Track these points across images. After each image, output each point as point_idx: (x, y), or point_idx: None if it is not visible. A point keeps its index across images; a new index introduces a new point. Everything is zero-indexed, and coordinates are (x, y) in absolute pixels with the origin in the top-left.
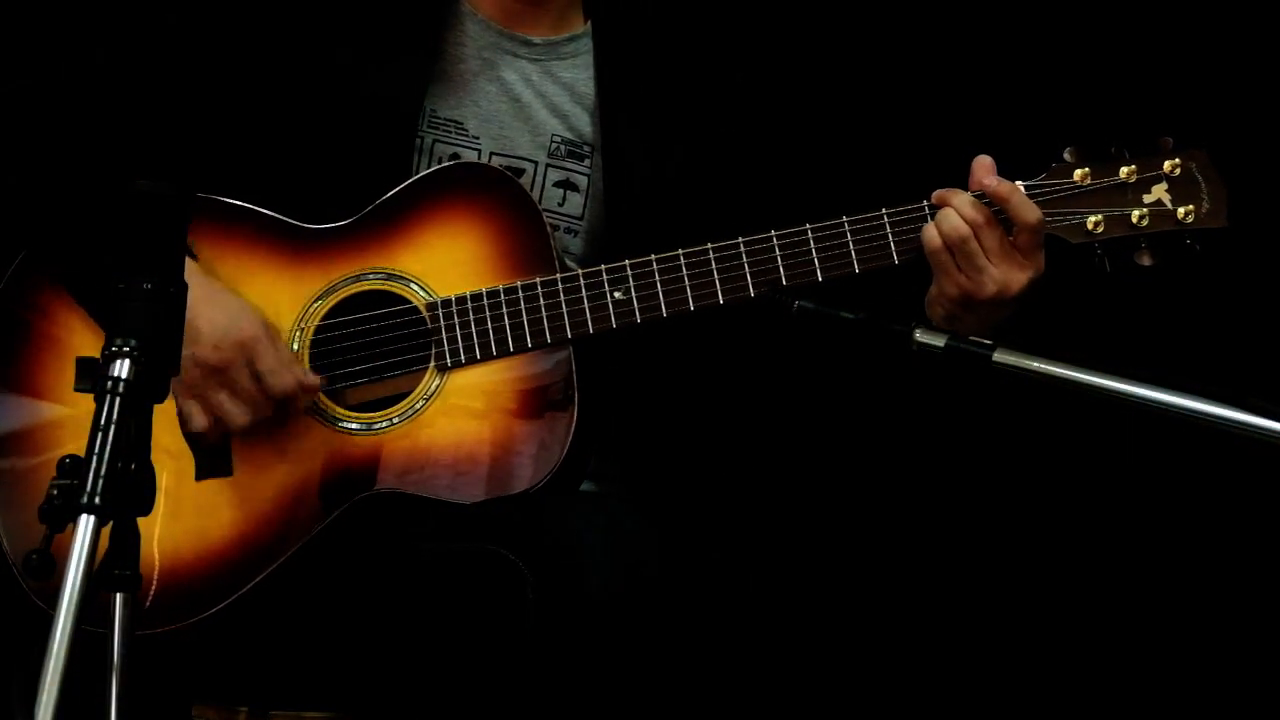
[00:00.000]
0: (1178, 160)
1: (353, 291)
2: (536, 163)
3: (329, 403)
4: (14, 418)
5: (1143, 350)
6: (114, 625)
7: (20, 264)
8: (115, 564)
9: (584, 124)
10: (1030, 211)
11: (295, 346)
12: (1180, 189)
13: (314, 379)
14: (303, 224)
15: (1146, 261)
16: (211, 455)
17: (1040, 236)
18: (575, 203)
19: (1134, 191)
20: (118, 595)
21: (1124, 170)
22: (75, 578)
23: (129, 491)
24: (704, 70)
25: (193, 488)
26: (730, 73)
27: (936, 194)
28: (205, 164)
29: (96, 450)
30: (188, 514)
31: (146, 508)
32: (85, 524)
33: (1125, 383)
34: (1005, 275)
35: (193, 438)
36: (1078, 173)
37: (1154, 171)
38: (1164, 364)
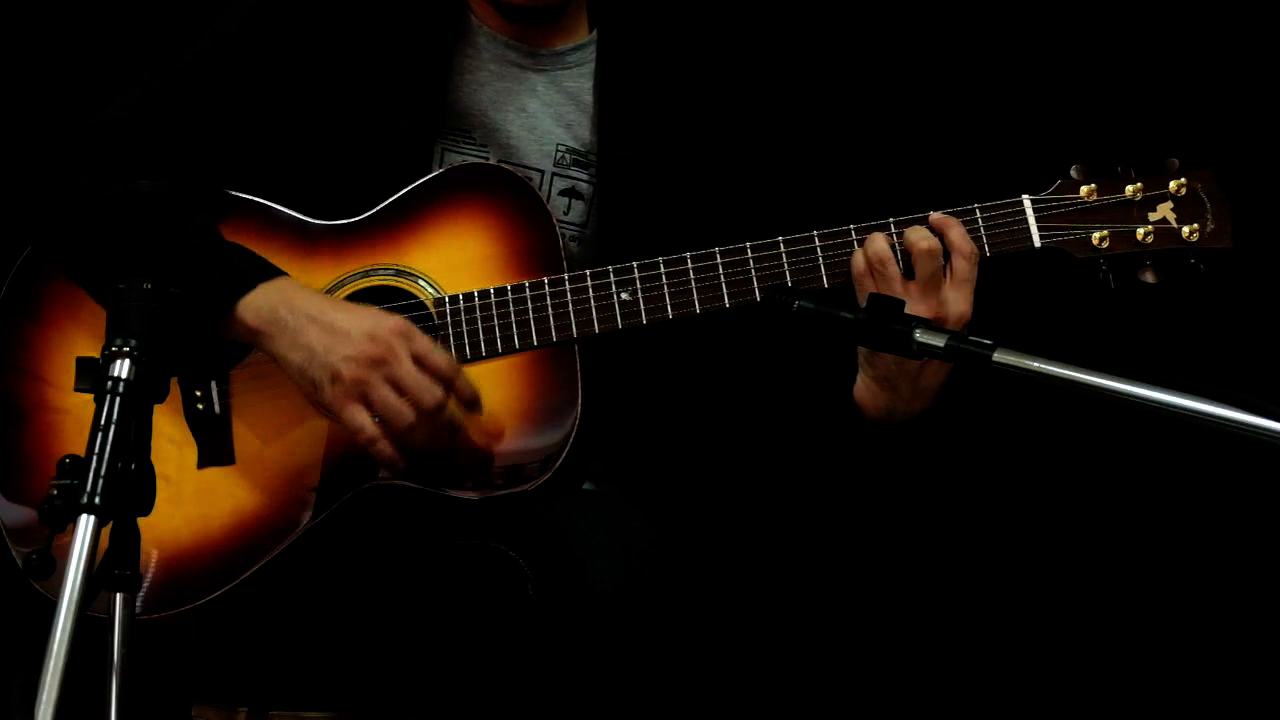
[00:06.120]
0: (1184, 180)
1: (361, 286)
2: (543, 172)
3: None
4: (15, 421)
5: (1143, 351)
6: (114, 625)
7: (19, 269)
8: (115, 564)
9: (588, 132)
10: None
11: None
12: (1185, 208)
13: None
14: (312, 219)
15: (1150, 279)
16: (214, 442)
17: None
18: (580, 211)
19: (1139, 209)
20: (118, 595)
21: (1130, 188)
22: (75, 578)
23: (129, 491)
24: (706, 76)
25: (195, 475)
26: (732, 78)
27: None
28: (226, 167)
29: (96, 450)
30: (189, 501)
31: (146, 508)
32: (85, 524)
33: (1125, 383)
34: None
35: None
36: (1084, 189)
37: (1160, 190)
38: (1164, 365)
